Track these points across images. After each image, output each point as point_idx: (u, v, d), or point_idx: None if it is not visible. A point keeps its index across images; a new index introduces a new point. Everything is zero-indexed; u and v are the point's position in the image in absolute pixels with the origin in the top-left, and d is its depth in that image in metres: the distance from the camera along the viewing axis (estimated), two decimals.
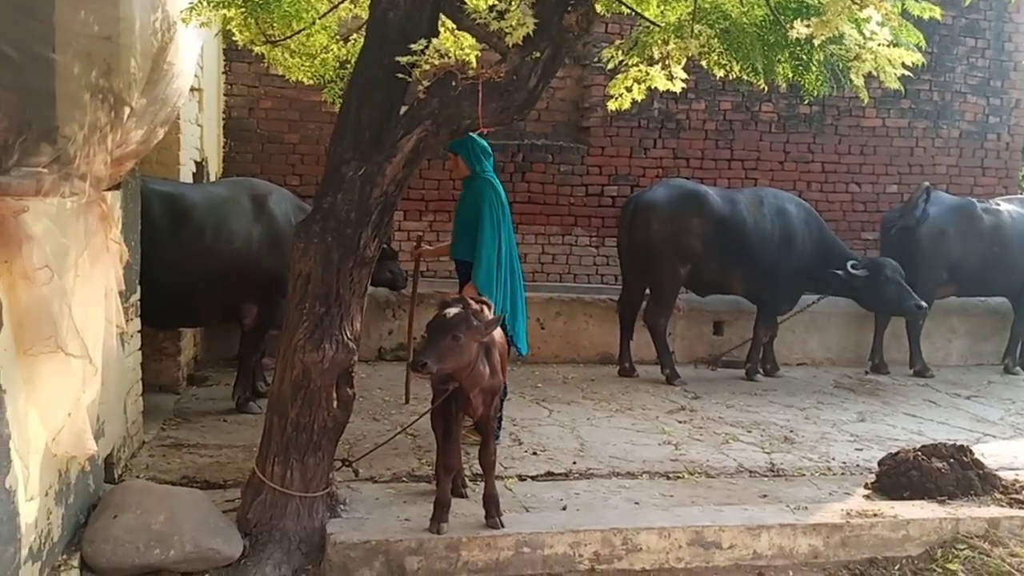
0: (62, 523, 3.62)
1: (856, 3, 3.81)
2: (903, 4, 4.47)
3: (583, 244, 9.61)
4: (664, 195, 7.98)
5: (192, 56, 4.82)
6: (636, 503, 4.74)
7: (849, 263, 7.88)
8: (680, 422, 6.47)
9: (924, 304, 7.94)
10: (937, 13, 4.45)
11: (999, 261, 8.62)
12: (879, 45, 4.28)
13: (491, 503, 4.18)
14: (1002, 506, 4.73)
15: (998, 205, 8.93)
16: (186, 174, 6.78)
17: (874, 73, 4.43)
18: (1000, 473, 5.06)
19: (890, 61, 4.34)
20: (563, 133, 9.74)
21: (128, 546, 3.69)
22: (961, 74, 10.48)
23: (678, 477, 5.22)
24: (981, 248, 8.60)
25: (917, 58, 4.42)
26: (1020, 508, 4.71)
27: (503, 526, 4.13)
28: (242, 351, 6.31)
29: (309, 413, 4.01)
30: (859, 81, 4.50)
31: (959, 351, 9.18)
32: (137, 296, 5.06)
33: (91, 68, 3.15)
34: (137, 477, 4.67)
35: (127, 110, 3.56)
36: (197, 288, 5.84)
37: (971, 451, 5.04)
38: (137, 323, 5.15)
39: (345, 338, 3.96)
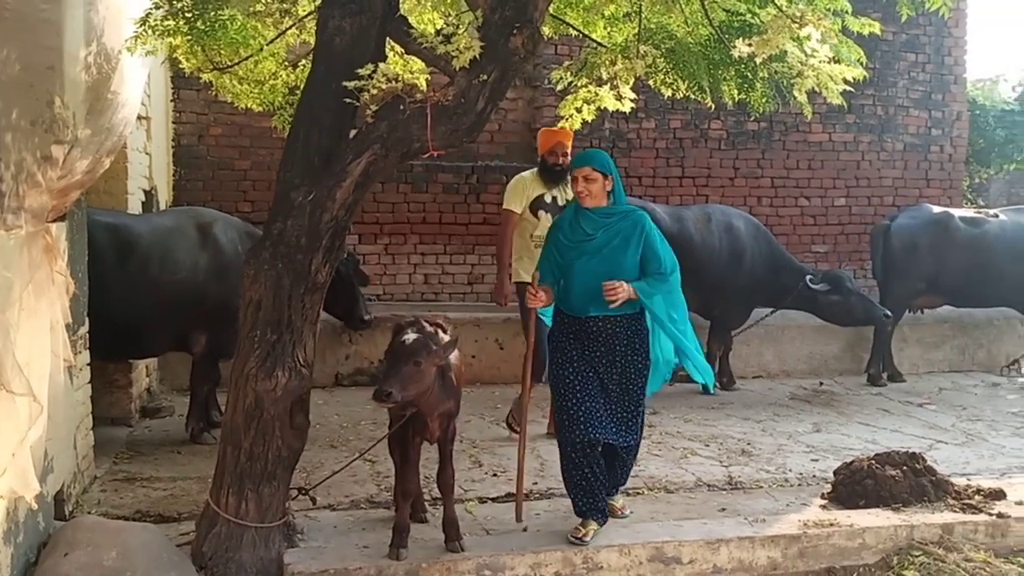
0: (11, 563, 3.53)
1: (796, 22, 3.90)
2: (843, 21, 4.56)
3: None
4: None
5: (138, 85, 4.77)
6: None
7: (807, 277, 7.99)
8: None
9: (890, 313, 8.20)
10: (877, 29, 4.54)
11: (988, 272, 8.48)
12: (820, 62, 4.37)
13: (451, 527, 4.15)
14: (955, 511, 4.79)
15: (995, 216, 8.87)
16: (135, 203, 6.69)
17: (817, 89, 4.52)
18: (952, 479, 5.13)
19: (832, 77, 4.43)
20: (516, 154, 9.76)
21: None
22: (903, 88, 10.72)
23: (637, 493, 5.23)
24: (963, 259, 8.50)
25: (858, 73, 4.52)
26: (973, 513, 4.77)
27: (463, 550, 4.10)
28: (193, 381, 6.23)
29: (263, 442, 3.96)
30: (802, 97, 4.59)
31: (910, 359, 9.30)
32: (86, 328, 4.97)
33: (28, 100, 3.10)
34: (89, 513, 4.57)
35: (68, 141, 3.51)
36: (144, 319, 5.79)
37: (923, 458, 5.10)
38: (86, 356, 5.06)
39: (298, 365, 3.92)
